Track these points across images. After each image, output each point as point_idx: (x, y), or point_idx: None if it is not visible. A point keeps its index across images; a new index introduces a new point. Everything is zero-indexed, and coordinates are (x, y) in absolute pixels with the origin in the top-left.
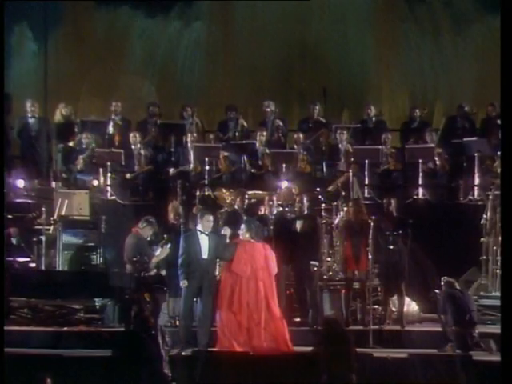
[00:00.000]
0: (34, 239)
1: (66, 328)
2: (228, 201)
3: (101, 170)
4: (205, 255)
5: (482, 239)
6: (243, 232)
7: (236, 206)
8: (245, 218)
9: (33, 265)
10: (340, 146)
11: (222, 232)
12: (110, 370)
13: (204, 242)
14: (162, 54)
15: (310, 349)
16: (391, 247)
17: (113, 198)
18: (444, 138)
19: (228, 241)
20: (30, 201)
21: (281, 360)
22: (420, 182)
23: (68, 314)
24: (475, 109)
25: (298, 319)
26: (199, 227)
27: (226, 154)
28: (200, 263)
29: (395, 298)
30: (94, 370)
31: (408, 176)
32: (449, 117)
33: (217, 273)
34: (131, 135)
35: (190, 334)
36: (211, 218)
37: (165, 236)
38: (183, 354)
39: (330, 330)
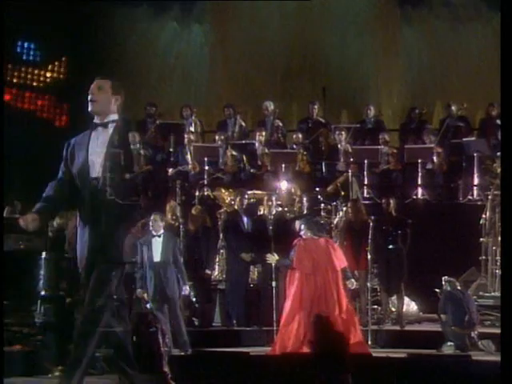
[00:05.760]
0: None
1: None
2: (227, 201)
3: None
4: (156, 258)
5: (481, 239)
6: (304, 231)
7: (235, 206)
8: (303, 218)
9: None
10: (339, 146)
11: (269, 261)
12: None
13: (156, 245)
14: (161, 53)
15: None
16: (390, 247)
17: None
18: (443, 138)
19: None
20: None
21: (288, 361)
22: (419, 182)
23: None
24: (466, 104)
25: None
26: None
27: (234, 152)
28: (152, 267)
29: (394, 297)
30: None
31: (407, 176)
32: (446, 117)
33: None
34: (130, 135)
35: None
36: (158, 217)
37: None
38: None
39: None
